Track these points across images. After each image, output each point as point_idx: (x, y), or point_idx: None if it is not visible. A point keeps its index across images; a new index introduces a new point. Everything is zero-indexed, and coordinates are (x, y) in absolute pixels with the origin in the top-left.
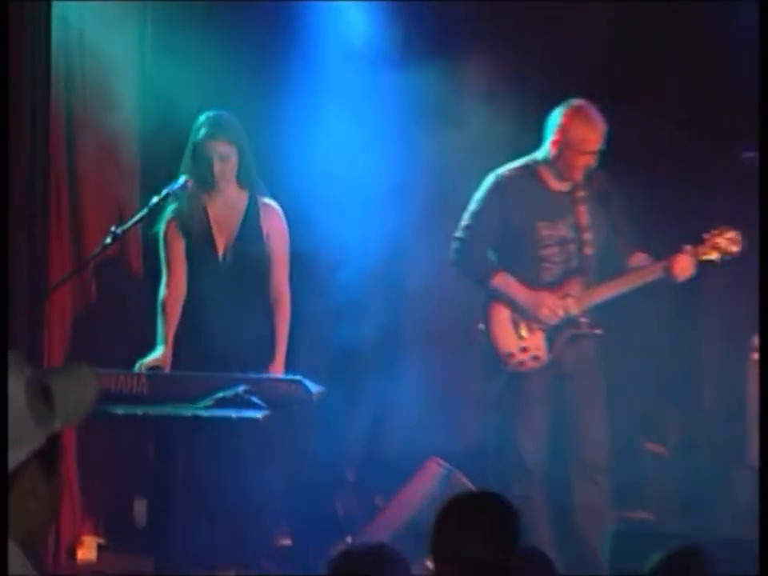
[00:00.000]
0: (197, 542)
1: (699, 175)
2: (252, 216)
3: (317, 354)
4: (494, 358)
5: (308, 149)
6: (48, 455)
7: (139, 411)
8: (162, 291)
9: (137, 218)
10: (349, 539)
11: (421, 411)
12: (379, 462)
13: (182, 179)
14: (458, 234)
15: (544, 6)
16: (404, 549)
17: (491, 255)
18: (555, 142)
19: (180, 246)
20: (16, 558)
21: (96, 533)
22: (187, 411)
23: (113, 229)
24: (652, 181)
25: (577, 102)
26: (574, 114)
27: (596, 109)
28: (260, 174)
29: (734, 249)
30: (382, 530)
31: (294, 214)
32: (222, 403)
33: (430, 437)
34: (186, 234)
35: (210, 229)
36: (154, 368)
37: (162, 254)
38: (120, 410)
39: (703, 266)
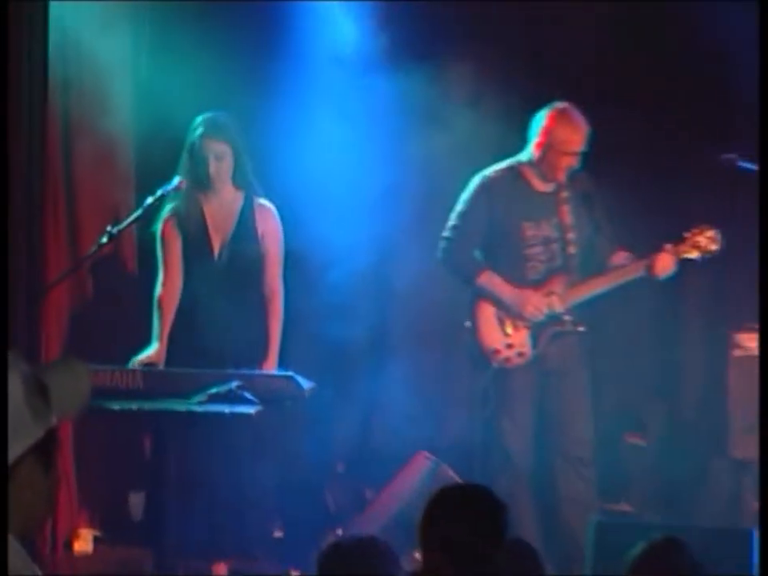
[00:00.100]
0: (191, 534)
1: (679, 176)
2: (247, 216)
3: (309, 351)
4: (481, 355)
5: (299, 151)
6: (45, 449)
7: (134, 406)
8: (158, 289)
9: (132, 217)
10: (339, 531)
11: (409, 406)
12: (369, 456)
13: (175, 180)
14: (446, 233)
15: (528, 10)
16: (393, 540)
17: (477, 254)
18: (539, 144)
19: (176, 245)
20: (17, 554)
21: (92, 525)
22: (181, 406)
23: (108, 228)
24: (633, 181)
25: (560, 104)
26: (558, 117)
27: (579, 111)
28: (254, 176)
29: (714, 247)
30: (372, 522)
31: (286, 216)
32: (215, 399)
33: (419, 431)
34: (183, 233)
35: (206, 228)
36: (149, 364)
37: (159, 253)
38: (116, 405)
39: (684, 264)
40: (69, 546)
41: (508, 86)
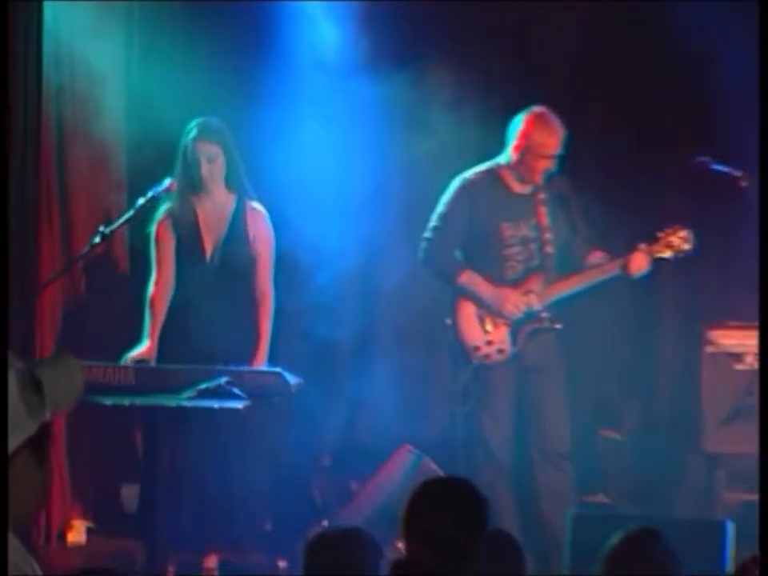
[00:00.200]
0: (182, 527)
1: (653, 178)
2: (239, 219)
3: (297, 348)
4: (462, 352)
5: (286, 154)
6: (39, 443)
7: (126, 401)
8: (151, 288)
9: (124, 218)
10: (325, 522)
11: (393, 402)
12: (354, 450)
13: (166, 181)
14: (427, 234)
15: (509, 12)
16: (377, 531)
17: (458, 254)
18: (517, 147)
19: (170, 246)
20: (16, 551)
21: (85, 517)
22: (171, 401)
23: (101, 229)
24: (608, 183)
25: (538, 108)
26: (535, 120)
27: (556, 114)
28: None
29: (686, 246)
30: (357, 513)
31: (274, 218)
32: (204, 394)
33: (402, 426)
34: (176, 234)
35: (198, 230)
36: (140, 361)
37: (153, 253)
38: (108, 400)
39: (657, 263)
40: (62, 537)
41: (489, 89)
